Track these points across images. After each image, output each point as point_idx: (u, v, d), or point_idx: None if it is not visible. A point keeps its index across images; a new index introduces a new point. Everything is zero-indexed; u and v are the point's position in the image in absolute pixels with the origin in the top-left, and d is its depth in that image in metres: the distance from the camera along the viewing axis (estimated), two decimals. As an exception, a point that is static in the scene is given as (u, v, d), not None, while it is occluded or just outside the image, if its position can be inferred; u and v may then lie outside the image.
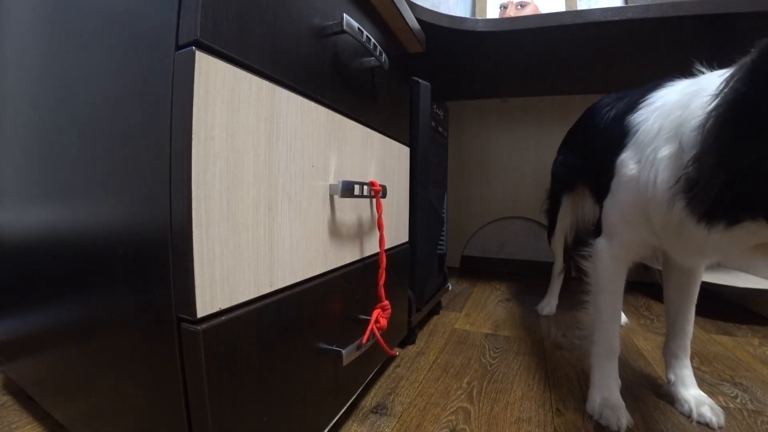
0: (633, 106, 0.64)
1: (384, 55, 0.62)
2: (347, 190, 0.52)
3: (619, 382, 0.66)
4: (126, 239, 0.37)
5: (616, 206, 0.64)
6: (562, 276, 1.24)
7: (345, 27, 0.50)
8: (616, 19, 0.98)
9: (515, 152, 1.80)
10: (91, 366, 0.45)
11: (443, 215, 1.15)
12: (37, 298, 0.53)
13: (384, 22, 0.71)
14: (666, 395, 0.69)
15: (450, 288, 1.40)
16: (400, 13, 0.69)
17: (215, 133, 0.33)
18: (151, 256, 0.35)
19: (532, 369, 0.81)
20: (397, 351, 0.76)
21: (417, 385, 0.74)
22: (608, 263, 0.66)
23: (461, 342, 0.96)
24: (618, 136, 0.64)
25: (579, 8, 1.61)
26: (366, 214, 0.63)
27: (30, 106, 0.52)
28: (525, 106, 1.77)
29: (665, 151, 0.52)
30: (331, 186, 0.51)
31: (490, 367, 0.82)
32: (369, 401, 0.68)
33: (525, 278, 1.68)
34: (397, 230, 0.79)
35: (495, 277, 1.69)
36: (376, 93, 0.67)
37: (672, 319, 0.70)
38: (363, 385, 0.65)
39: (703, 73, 0.57)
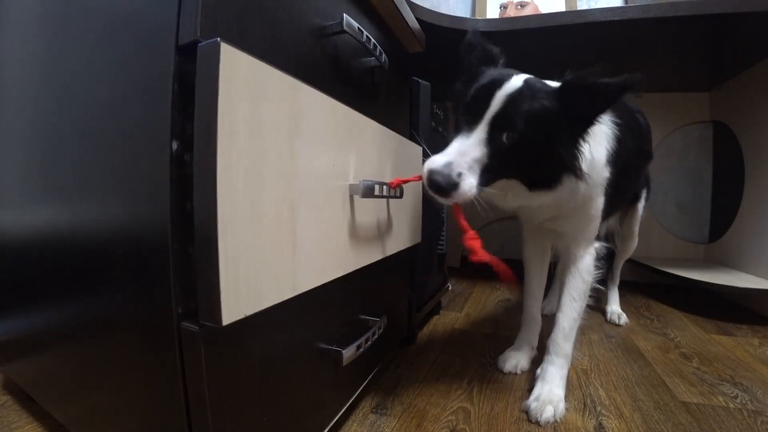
0: None
1: (384, 54, 0.62)
2: (368, 190, 0.50)
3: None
4: (125, 239, 0.37)
5: None
6: (563, 276, 1.24)
7: (345, 27, 0.50)
8: (616, 19, 0.98)
9: (515, 152, 1.79)
10: (91, 366, 0.45)
11: (443, 215, 1.15)
12: (38, 299, 0.52)
13: (384, 22, 0.71)
14: None
15: (450, 288, 1.40)
16: (400, 13, 0.69)
17: (239, 129, 0.31)
18: (150, 255, 0.35)
19: (532, 369, 0.81)
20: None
21: (417, 385, 0.74)
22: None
23: (461, 342, 0.95)
24: None
25: (579, 8, 1.61)
26: (383, 215, 0.61)
27: (32, 106, 0.52)
28: (525, 106, 1.77)
29: None
30: (351, 186, 0.50)
31: (490, 367, 0.82)
32: (369, 401, 0.68)
33: (525, 278, 1.67)
34: (411, 232, 0.78)
35: (495, 277, 1.68)
36: (376, 93, 0.67)
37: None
38: (363, 385, 0.65)
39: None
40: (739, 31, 1.05)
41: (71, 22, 0.43)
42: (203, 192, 0.30)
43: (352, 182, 0.50)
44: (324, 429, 0.52)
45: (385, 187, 0.56)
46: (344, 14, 0.51)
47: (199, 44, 0.30)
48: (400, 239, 0.70)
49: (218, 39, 0.29)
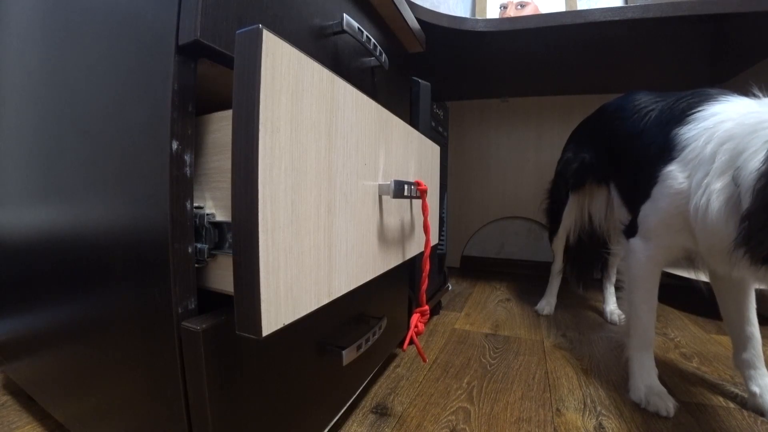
0: (680, 117, 0.66)
1: (384, 54, 0.62)
2: (398, 190, 0.49)
3: (656, 370, 0.69)
4: (125, 239, 0.37)
5: (656, 212, 0.67)
6: (560, 275, 1.24)
7: (345, 27, 0.50)
8: (616, 19, 0.98)
9: (515, 152, 1.80)
10: (91, 366, 0.45)
11: (443, 215, 1.15)
12: (38, 298, 0.52)
13: (384, 22, 0.71)
14: (754, 408, 0.66)
15: (450, 288, 1.40)
16: (400, 13, 0.69)
17: (281, 125, 0.30)
18: (150, 255, 0.35)
19: (532, 369, 0.81)
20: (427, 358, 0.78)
21: (417, 385, 0.74)
22: (644, 263, 0.70)
23: (461, 342, 0.96)
24: (663, 146, 0.67)
25: (579, 8, 1.61)
26: (407, 215, 0.60)
27: (32, 106, 0.52)
28: (525, 106, 1.77)
29: (718, 183, 0.56)
30: (380, 186, 0.49)
31: (490, 367, 0.82)
32: (369, 401, 0.68)
33: (525, 278, 1.68)
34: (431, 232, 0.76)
35: (495, 277, 1.69)
36: (376, 93, 0.67)
37: (736, 329, 0.69)
38: (363, 385, 0.65)
39: (759, 97, 0.59)
40: (739, 31, 1.05)
41: (71, 22, 0.43)
42: (243, 195, 0.28)
43: (381, 182, 0.49)
44: (324, 429, 0.52)
45: (413, 187, 0.54)
46: (344, 14, 0.51)
47: (238, 32, 0.28)
48: (421, 241, 0.69)
49: (260, 25, 0.27)
